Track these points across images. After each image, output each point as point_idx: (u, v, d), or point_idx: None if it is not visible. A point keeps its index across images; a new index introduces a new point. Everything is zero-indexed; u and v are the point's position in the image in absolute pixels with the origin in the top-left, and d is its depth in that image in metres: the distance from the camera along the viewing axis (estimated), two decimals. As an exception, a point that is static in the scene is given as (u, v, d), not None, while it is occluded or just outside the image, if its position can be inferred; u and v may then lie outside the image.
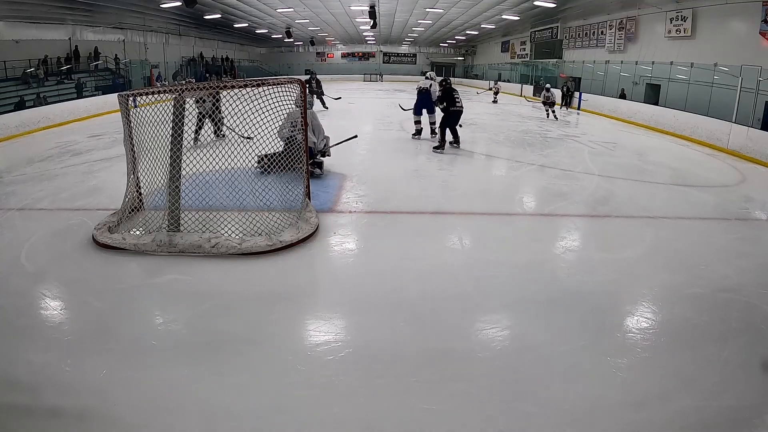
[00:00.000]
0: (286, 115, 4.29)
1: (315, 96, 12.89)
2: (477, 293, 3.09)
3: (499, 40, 28.23)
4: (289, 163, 4.30)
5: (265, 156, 4.37)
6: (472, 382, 2.20)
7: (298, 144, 4.42)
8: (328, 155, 6.06)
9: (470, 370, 2.30)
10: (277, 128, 4.19)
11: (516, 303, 2.95)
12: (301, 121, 4.41)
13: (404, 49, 37.52)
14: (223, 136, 6.60)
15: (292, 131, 4.71)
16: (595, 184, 5.92)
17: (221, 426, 1.94)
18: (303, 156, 4.31)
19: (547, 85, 13.71)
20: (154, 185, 4.05)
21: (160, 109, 3.92)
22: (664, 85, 12.96)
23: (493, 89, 19.33)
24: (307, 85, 12.70)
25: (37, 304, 2.88)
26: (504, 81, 25.77)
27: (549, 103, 12.93)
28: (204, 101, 6.10)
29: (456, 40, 31.57)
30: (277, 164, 4.33)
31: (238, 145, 3.92)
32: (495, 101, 18.42)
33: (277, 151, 4.39)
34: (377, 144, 8.65)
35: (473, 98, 18.42)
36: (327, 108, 13.32)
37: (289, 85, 4.08)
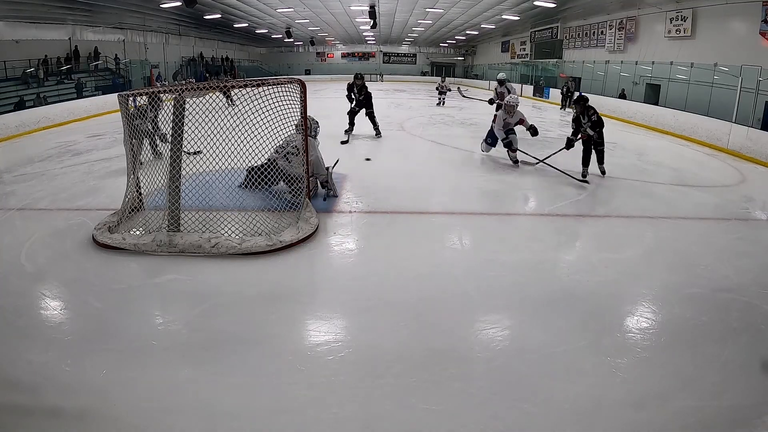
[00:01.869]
0: (284, 139, 4.22)
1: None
2: (477, 293, 3.09)
3: (499, 40, 28.23)
4: (269, 182, 4.23)
5: (253, 169, 4.21)
6: (472, 382, 2.20)
7: (280, 170, 4.41)
8: (333, 193, 5.04)
9: (470, 370, 2.30)
10: (275, 147, 4.15)
11: (516, 303, 2.95)
12: (294, 151, 4.43)
13: (404, 49, 37.51)
14: (160, 154, 6.01)
15: (281, 155, 4.51)
16: (595, 184, 5.92)
17: (221, 426, 1.94)
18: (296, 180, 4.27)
19: (500, 76, 9.73)
20: (154, 185, 4.06)
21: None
22: (664, 85, 12.97)
23: (439, 88, 16.02)
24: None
25: (37, 304, 2.88)
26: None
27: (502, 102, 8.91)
28: (145, 112, 4.94)
29: (456, 40, 31.57)
30: (262, 180, 4.18)
31: (239, 146, 3.92)
32: (441, 103, 15.55)
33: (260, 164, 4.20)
34: (377, 144, 8.65)
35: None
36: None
37: (289, 85, 4.08)
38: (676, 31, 12.71)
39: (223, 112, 4.14)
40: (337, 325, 2.72)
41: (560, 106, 16.18)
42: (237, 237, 3.67)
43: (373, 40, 34.30)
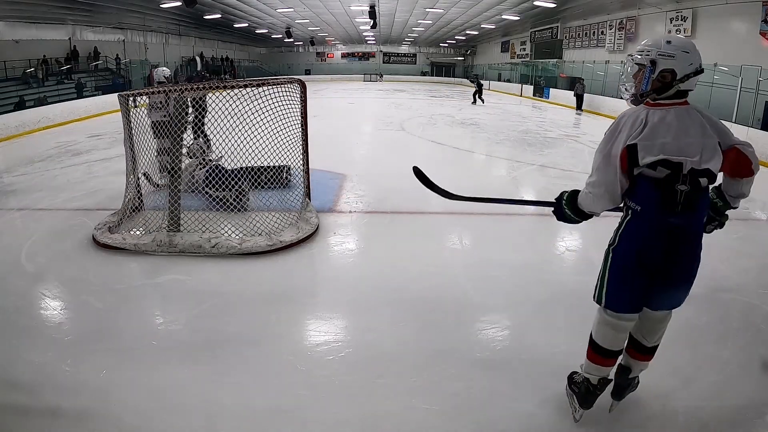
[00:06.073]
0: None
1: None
2: (477, 293, 3.08)
3: (499, 40, 28.24)
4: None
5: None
6: (472, 382, 2.20)
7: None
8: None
9: (470, 370, 2.30)
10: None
11: (516, 303, 2.95)
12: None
13: (404, 49, 37.51)
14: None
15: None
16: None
17: (221, 426, 1.94)
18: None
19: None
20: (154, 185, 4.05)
21: (160, 109, 3.91)
22: (664, 85, 12.95)
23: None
24: None
25: (37, 304, 2.88)
26: (504, 81, 25.75)
27: None
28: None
29: (456, 40, 31.58)
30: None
31: (239, 146, 3.92)
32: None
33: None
34: (377, 144, 8.66)
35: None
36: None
37: (289, 85, 4.08)
38: (676, 31, 12.70)
39: (222, 112, 4.13)
40: (337, 325, 2.72)
41: (574, 109, 15.05)
42: (237, 237, 3.66)
43: (373, 40, 34.31)
